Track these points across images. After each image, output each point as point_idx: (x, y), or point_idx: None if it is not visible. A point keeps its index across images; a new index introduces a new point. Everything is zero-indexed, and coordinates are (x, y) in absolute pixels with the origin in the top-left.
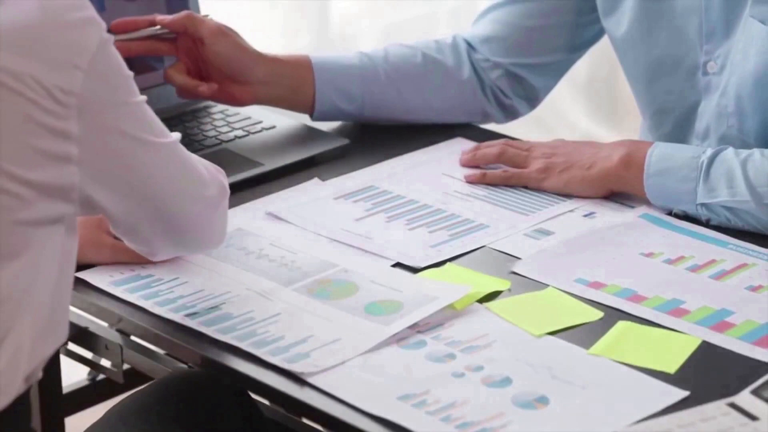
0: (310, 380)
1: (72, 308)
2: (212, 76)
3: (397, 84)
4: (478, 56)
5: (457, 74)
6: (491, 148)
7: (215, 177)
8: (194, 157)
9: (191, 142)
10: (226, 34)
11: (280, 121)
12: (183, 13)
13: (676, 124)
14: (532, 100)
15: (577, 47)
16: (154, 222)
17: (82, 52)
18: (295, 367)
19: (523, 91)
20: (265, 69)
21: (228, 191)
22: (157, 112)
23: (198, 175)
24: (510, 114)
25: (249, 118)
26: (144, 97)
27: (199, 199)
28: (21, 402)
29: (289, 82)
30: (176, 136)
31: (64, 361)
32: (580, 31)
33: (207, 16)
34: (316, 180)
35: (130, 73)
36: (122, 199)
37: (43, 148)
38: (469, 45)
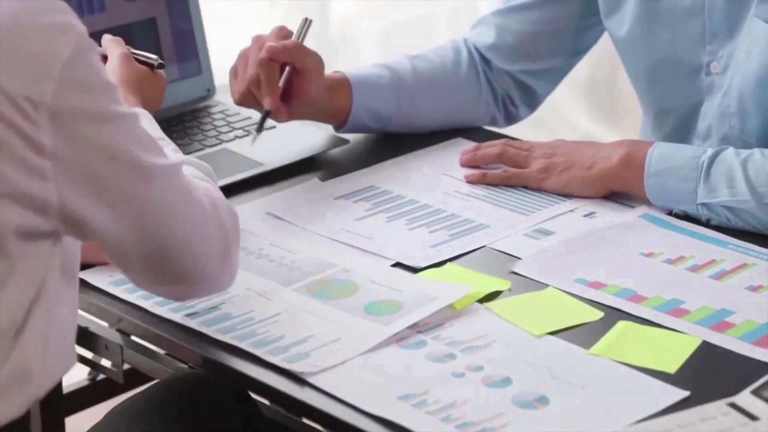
0: (310, 380)
1: None
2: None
3: (423, 102)
4: (489, 67)
5: (476, 89)
6: (491, 148)
7: (218, 219)
8: (202, 190)
9: (191, 142)
10: (323, 68)
11: None
12: (290, 43)
13: (678, 124)
14: (534, 104)
15: (580, 50)
16: (142, 255)
17: (53, 60)
18: (295, 367)
19: (526, 97)
20: (324, 98)
21: (234, 237)
22: (158, 113)
23: (198, 209)
24: (512, 120)
25: (249, 118)
26: (135, 111)
27: (195, 240)
28: None
29: (330, 103)
30: (176, 159)
31: None
32: (583, 34)
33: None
34: (316, 180)
35: (116, 85)
36: (107, 222)
37: (14, 160)
38: (480, 55)
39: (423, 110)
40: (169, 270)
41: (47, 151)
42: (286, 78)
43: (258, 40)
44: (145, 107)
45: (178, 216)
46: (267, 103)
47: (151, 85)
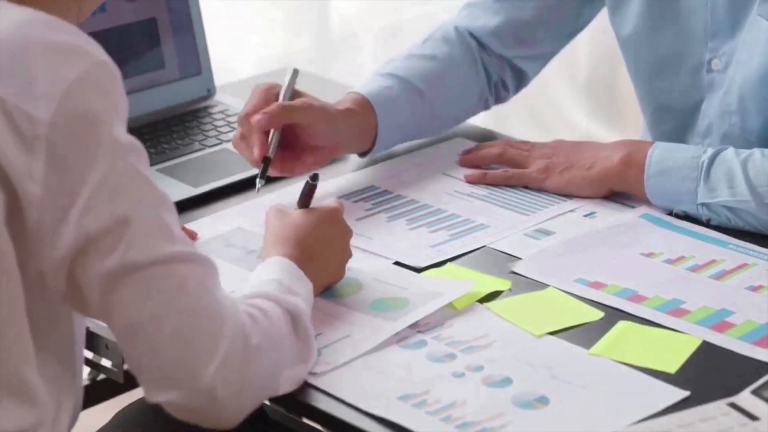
0: (311, 380)
1: None
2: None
3: (433, 105)
4: (486, 52)
5: (475, 80)
6: (492, 148)
7: (238, 321)
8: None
9: (191, 142)
10: (318, 112)
11: None
12: (275, 106)
13: (678, 122)
14: (522, 87)
15: (574, 33)
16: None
17: (57, 81)
18: None
19: (516, 80)
20: (344, 130)
21: (255, 346)
22: (158, 113)
23: (191, 302)
24: (500, 101)
25: None
26: (136, 158)
27: (196, 339)
28: None
29: (355, 127)
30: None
31: None
32: (579, 18)
33: (302, 98)
34: None
35: (121, 114)
36: (96, 279)
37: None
38: (477, 40)
39: (434, 113)
40: (157, 373)
41: (37, 177)
42: (277, 139)
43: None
44: (312, 253)
45: (172, 304)
46: (256, 152)
47: (309, 227)
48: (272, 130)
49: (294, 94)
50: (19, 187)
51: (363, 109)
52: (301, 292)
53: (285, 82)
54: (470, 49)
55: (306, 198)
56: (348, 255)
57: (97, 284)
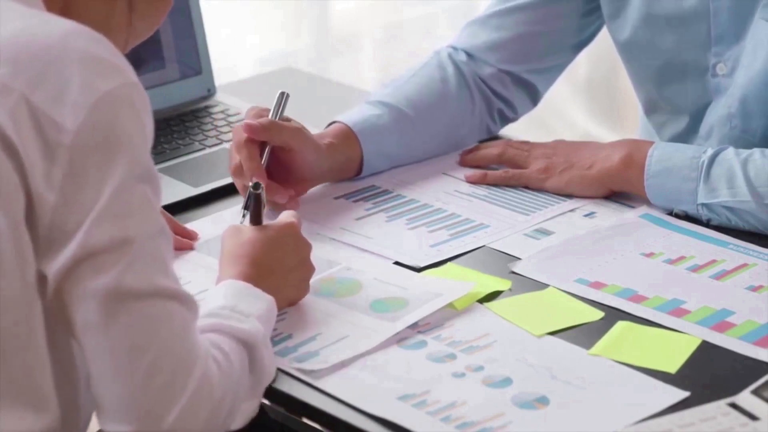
0: (311, 380)
1: None
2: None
3: (425, 132)
4: (486, 75)
5: (470, 107)
6: (492, 148)
7: (208, 372)
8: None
9: (191, 142)
10: (309, 141)
11: None
12: (266, 121)
13: (687, 126)
14: (536, 100)
15: (580, 46)
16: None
17: (89, 91)
18: (305, 366)
19: (528, 95)
20: (328, 163)
21: (218, 399)
22: (158, 113)
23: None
24: (509, 121)
25: None
26: (150, 186)
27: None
28: None
29: (339, 158)
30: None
31: None
32: (585, 28)
33: (289, 120)
34: None
35: (146, 144)
36: (87, 303)
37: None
38: (475, 63)
39: (425, 140)
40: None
41: (55, 184)
42: (268, 155)
43: (237, 129)
44: (270, 270)
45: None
46: (248, 175)
47: (263, 243)
48: (267, 147)
49: (284, 119)
50: (35, 191)
51: (345, 141)
52: (255, 311)
53: (272, 108)
54: (465, 77)
55: (255, 210)
56: (310, 270)
57: (84, 301)
